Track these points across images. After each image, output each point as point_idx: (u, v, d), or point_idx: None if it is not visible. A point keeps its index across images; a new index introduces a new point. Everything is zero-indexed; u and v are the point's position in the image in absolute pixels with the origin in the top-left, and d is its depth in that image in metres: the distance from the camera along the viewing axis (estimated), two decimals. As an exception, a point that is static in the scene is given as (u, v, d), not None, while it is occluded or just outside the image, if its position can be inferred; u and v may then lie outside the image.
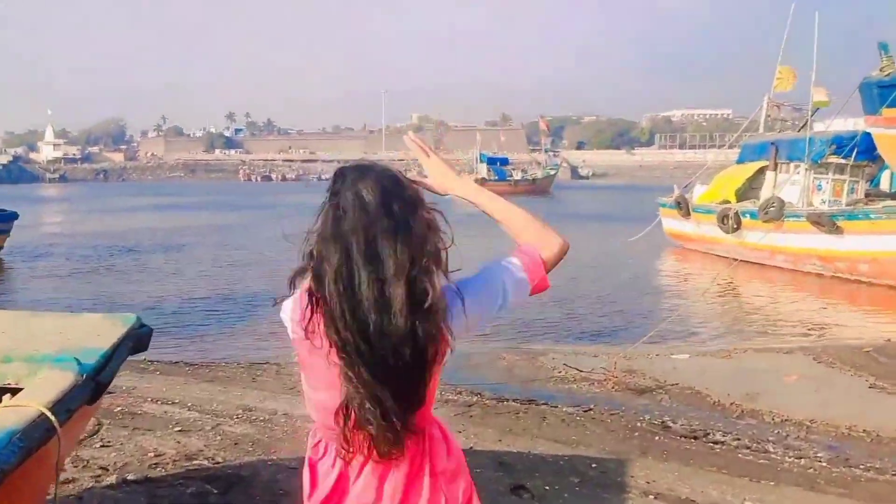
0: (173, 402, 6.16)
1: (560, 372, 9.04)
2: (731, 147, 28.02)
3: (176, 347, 10.80)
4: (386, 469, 1.61)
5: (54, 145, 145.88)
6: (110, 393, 6.23)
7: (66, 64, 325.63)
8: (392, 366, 1.47)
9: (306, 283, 1.55)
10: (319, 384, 1.61)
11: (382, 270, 1.47)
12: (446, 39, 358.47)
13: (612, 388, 8.14)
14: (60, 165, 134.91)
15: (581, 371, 8.75)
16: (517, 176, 78.18)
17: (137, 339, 3.03)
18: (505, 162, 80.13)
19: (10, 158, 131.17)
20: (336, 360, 1.50)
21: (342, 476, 1.63)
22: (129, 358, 2.98)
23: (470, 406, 6.52)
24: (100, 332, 2.88)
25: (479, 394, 7.72)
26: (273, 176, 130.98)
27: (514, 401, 7.42)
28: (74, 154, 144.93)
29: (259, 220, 39.72)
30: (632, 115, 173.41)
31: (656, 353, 9.81)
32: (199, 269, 19.94)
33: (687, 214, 22.91)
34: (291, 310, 1.61)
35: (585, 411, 7.03)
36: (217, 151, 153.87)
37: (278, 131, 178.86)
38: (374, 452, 1.55)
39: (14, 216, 24.30)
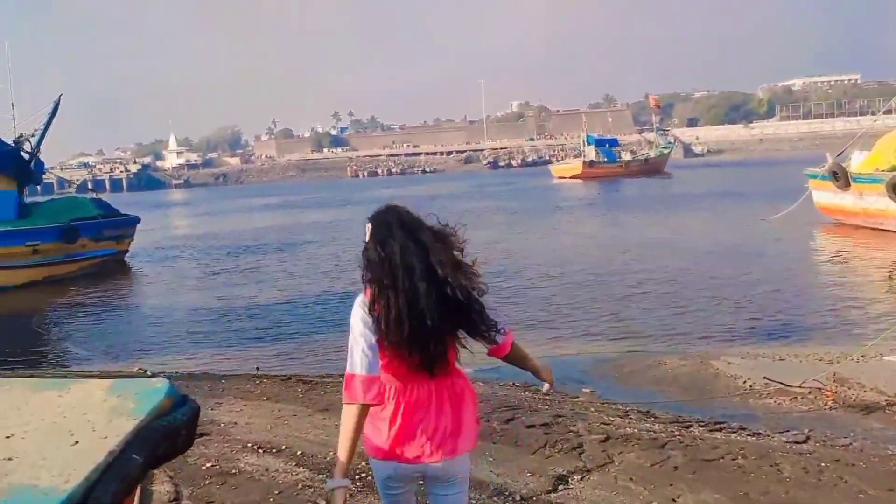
0: (279, 451, 5.02)
1: (745, 382, 7.32)
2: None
3: (291, 358, 10.01)
4: (425, 394, 2.39)
5: (177, 153, 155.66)
6: (203, 435, 5.27)
7: (185, 77, 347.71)
8: (429, 327, 2.30)
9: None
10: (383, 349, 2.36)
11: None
12: (542, 21, 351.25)
13: (828, 404, 6.35)
14: (184, 171, 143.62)
15: (778, 383, 6.97)
16: (627, 157, 74.62)
17: (165, 436, 1.57)
18: (614, 143, 76.55)
19: (140, 167, 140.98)
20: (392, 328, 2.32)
21: (399, 403, 2.37)
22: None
23: (662, 445, 4.98)
24: (87, 437, 1.49)
25: (654, 416, 6.21)
26: (379, 171, 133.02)
27: (700, 425, 5.84)
28: (196, 160, 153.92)
29: (368, 213, 39.89)
30: (746, 87, 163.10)
31: (861, 354, 7.83)
32: (313, 269, 19.43)
33: (846, 185, 19.91)
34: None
35: (801, 441, 5.36)
36: (325, 150, 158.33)
37: (382, 127, 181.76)
38: (417, 383, 2.39)
39: (136, 221, 24.98)
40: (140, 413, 1.57)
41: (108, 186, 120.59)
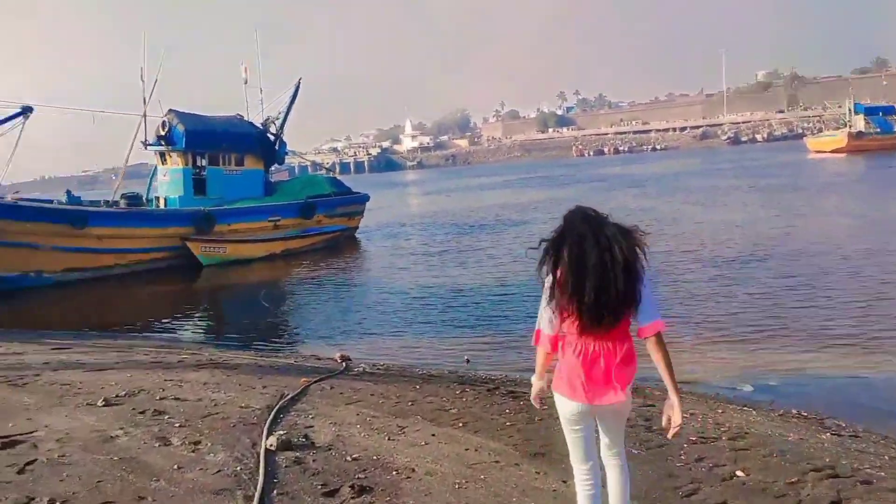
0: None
1: None
2: None
3: (501, 348, 8.85)
4: (598, 348, 2.88)
5: (412, 136, 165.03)
6: (363, 492, 3.65)
7: (421, 64, 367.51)
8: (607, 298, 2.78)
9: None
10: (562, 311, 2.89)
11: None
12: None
13: None
14: (417, 154, 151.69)
15: None
16: (907, 126, 62.72)
17: None
18: (889, 111, 64.59)
19: (379, 150, 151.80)
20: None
21: (577, 352, 2.89)
22: None
23: None
24: None
25: None
26: (605, 150, 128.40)
27: None
28: (428, 143, 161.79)
29: (589, 192, 38.19)
30: None
31: None
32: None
33: None
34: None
35: None
36: (550, 130, 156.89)
37: (609, 105, 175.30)
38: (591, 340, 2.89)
39: (366, 198, 25.81)
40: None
41: (352, 168, 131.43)
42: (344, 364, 7.23)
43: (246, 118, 23.86)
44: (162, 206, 21.35)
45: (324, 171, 33.69)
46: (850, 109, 62.78)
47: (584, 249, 2.74)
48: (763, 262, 13.79)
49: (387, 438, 4.85)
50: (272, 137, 23.44)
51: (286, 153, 24.83)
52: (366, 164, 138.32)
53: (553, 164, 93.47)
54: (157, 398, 5.87)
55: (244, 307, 14.20)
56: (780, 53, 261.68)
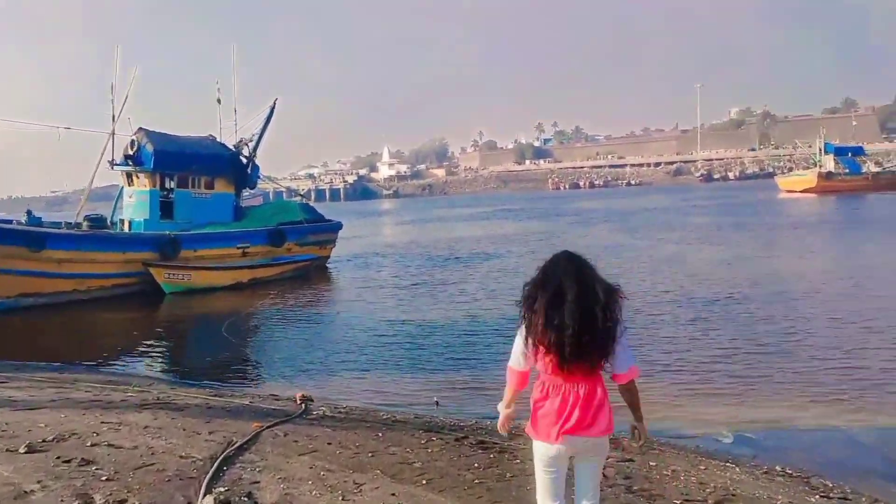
0: None
1: None
2: None
3: (469, 389, 8.38)
4: (575, 389, 2.89)
5: (389, 164, 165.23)
6: None
7: (400, 91, 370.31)
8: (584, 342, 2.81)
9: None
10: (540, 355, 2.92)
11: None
12: (764, 14, 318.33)
13: None
14: (394, 182, 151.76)
15: None
16: (874, 168, 64.29)
17: None
18: (858, 152, 66.36)
19: (356, 178, 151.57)
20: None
21: (555, 393, 2.90)
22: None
23: None
24: None
25: None
26: (581, 183, 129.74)
27: None
28: (405, 172, 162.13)
29: (565, 227, 38.19)
30: None
31: None
32: (504, 286, 17.83)
33: None
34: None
35: None
36: (527, 162, 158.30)
37: (586, 138, 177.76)
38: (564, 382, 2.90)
39: (339, 226, 25.30)
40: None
41: (328, 196, 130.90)
42: (303, 405, 6.68)
43: (218, 139, 23.29)
44: (126, 229, 20.64)
45: (298, 198, 32.86)
46: (820, 149, 64.15)
47: (567, 289, 2.79)
48: (742, 305, 13.55)
49: (341, 498, 4.34)
50: (245, 160, 22.92)
51: (259, 177, 24.27)
52: (341, 191, 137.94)
53: (529, 196, 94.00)
54: (89, 444, 5.29)
55: (205, 339, 13.56)
56: (753, 91, 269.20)
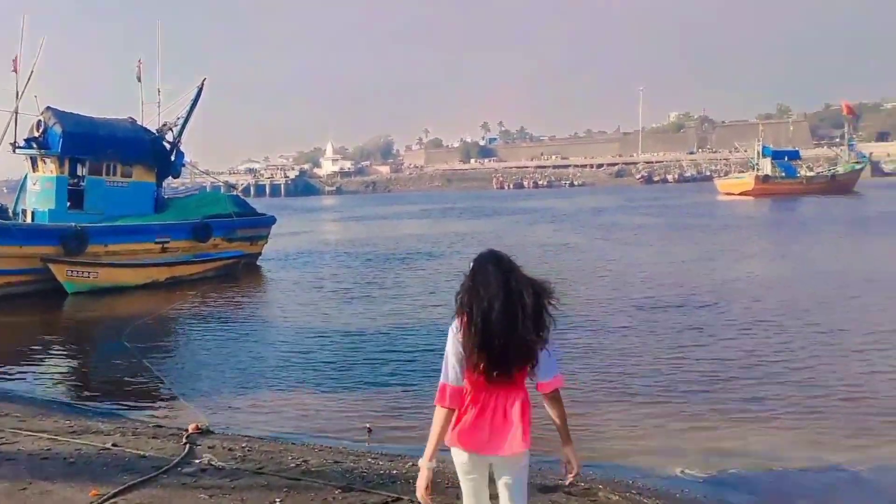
0: None
1: None
2: None
3: (401, 413, 7.03)
4: (499, 399, 2.76)
5: (332, 160, 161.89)
6: None
7: (347, 86, 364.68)
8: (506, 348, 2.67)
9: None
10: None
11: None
12: (705, 25, 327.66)
13: None
14: (337, 179, 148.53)
15: None
16: (808, 172, 65.92)
17: None
18: (794, 156, 67.82)
19: (298, 173, 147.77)
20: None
21: (477, 403, 2.76)
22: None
23: None
24: None
25: None
26: (525, 183, 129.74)
27: None
28: (349, 168, 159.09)
29: (509, 226, 37.28)
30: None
31: None
32: (441, 286, 16.56)
33: None
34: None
35: None
36: (472, 161, 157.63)
37: (530, 138, 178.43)
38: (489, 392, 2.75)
39: (272, 221, 23.52)
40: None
41: (268, 191, 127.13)
42: (186, 447, 5.14)
43: (140, 122, 21.18)
44: (29, 220, 18.44)
45: (234, 192, 30.64)
46: (758, 153, 65.23)
47: (493, 295, 2.66)
48: (694, 312, 12.63)
49: None
50: (168, 146, 20.92)
51: (183, 164, 22.21)
52: (282, 187, 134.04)
53: (474, 195, 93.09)
54: None
55: (100, 349, 11.78)
56: (692, 96, 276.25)
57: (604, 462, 5.65)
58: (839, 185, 61.84)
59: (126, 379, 9.26)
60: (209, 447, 5.21)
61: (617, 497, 4.41)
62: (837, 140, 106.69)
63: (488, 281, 2.67)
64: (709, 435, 6.44)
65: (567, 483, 3.06)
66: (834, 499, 5.12)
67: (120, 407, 7.96)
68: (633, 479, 5.26)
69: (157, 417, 7.25)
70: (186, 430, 5.90)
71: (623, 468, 5.55)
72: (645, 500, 4.53)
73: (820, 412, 7.01)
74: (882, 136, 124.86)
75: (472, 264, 2.78)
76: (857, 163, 67.30)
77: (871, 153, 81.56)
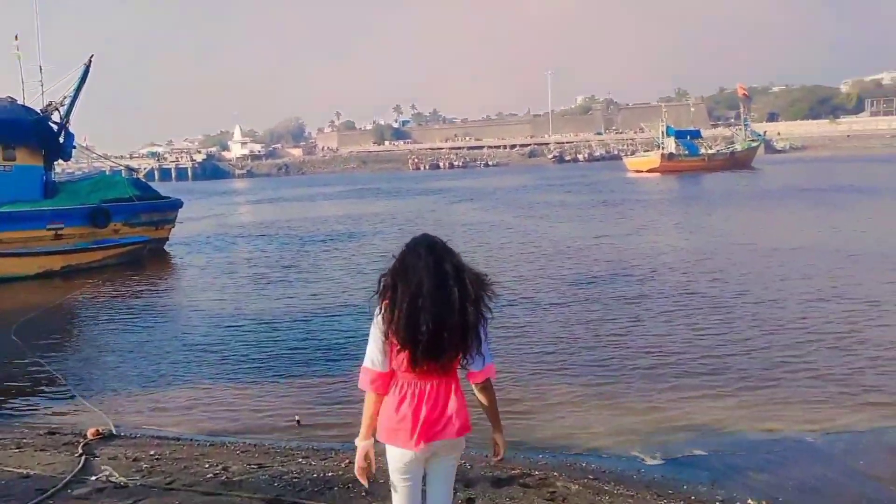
0: None
1: None
2: None
3: (331, 404, 6.49)
4: (430, 387, 2.60)
5: (241, 143, 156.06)
6: None
7: (252, 69, 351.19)
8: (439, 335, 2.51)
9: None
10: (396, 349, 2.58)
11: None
12: (604, 12, 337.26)
13: None
14: (247, 162, 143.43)
15: None
16: (709, 150, 69.03)
17: None
18: (696, 135, 70.88)
19: (205, 157, 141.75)
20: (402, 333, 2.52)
21: (407, 392, 2.59)
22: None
23: None
24: None
25: None
26: (441, 164, 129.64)
27: None
28: (259, 151, 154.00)
29: (428, 205, 36.88)
30: (826, 81, 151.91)
31: None
32: (360, 268, 15.99)
33: None
34: None
35: None
36: (386, 143, 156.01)
37: (444, 120, 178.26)
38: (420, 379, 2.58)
39: (178, 204, 22.09)
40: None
41: (174, 175, 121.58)
42: (82, 459, 4.41)
43: (21, 102, 19.25)
44: None
45: (136, 175, 28.47)
46: (662, 132, 67.72)
47: (426, 279, 2.50)
48: (626, 286, 12.66)
49: None
50: (55, 127, 19.15)
51: (74, 146, 20.45)
52: (189, 171, 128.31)
53: (390, 176, 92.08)
54: None
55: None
56: (597, 80, 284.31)
57: (554, 446, 5.35)
58: (738, 162, 65.28)
59: (15, 379, 8.23)
60: (110, 458, 4.50)
61: (576, 486, 4.09)
62: (732, 120, 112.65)
63: (418, 265, 2.51)
64: (657, 411, 6.24)
65: (493, 463, 3.01)
66: (787, 469, 5.00)
67: (6, 411, 7.01)
68: (586, 462, 4.97)
69: (52, 422, 6.38)
70: (84, 437, 5.14)
71: (575, 452, 5.25)
72: (605, 487, 4.23)
73: (767, 383, 6.97)
74: (772, 117, 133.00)
75: (403, 247, 2.61)
76: (753, 141, 71.03)
77: (765, 132, 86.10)
